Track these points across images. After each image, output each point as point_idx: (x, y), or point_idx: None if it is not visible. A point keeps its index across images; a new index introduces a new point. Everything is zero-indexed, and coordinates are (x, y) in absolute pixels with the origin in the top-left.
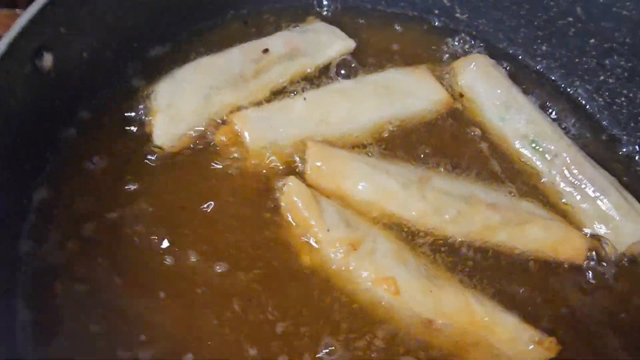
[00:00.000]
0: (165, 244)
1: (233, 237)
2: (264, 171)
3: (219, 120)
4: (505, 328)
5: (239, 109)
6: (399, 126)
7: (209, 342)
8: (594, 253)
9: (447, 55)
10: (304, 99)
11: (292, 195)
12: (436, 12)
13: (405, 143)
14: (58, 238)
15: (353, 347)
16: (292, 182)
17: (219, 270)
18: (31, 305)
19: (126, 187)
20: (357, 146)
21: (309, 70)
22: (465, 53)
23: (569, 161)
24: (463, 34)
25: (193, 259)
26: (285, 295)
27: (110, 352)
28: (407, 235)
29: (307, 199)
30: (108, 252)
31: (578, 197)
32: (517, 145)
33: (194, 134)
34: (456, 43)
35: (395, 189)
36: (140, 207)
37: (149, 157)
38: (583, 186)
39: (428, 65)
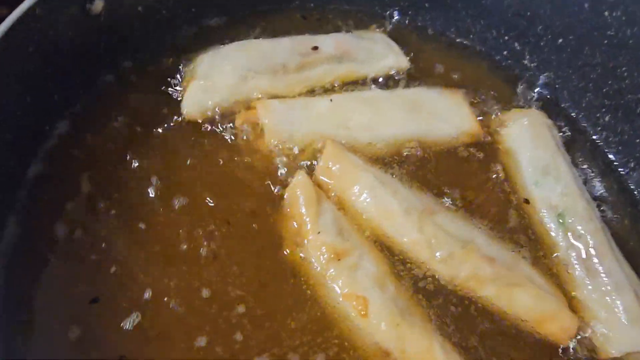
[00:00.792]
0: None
1: (232, 207)
2: (276, 161)
3: (245, 104)
4: None
5: (269, 97)
6: (421, 147)
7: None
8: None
9: (501, 102)
10: (330, 100)
11: (296, 189)
12: (505, 53)
13: (422, 167)
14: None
15: (301, 352)
16: (301, 176)
17: (209, 229)
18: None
19: (145, 142)
20: (375, 159)
21: (351, 77)
22: (524, 101)
23: (591, 246)
24: (526, 83)
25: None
26: (256, 274)
27: None
28: (395, 262)
29: (309, 196)
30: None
31: (588, 284)
32: (543, 212)
33: (218, 111)
34: (517, 89)
35: (396, 212)
36: (154, 162)
37: (174, 118)
38: (597, 276)
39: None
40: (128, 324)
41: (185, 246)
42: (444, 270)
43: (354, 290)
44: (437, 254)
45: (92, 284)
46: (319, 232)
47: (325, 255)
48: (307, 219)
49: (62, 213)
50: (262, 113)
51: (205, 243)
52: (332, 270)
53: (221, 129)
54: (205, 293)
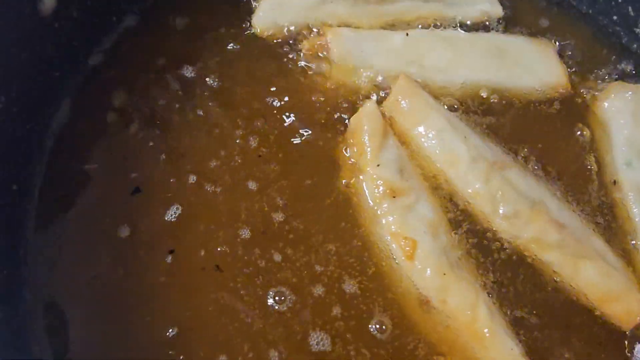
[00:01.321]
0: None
1: (292, 126)
2: (341, 91)
3: (316, 29)
4: (502, 354)
5: (344, 26)
6: (499, 96)
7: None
8: None
9: (602, 69)
10: (407, 34)
11: (363, 117)
12: (614, 18)
13: (499, 118)
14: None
15: (334, 285)
16: (370, 104)
17: (266, 138)
18: None
19: (210, 49)
20: (447, 103)
21: (435, 17)
22: (625, 75)
23: None
24: (632, 57)
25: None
26: (305, 190)
27: None
28: (452, 211)
29: (375, 126)
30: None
31: None
32: (630, 196)
33: (290, 30)
34: (620, 62)
35: (463, 158)
36: (214, 68)
37: (243, 32)
38: None
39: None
40: (171, 215)
41: (239, 140)
42: (506, 228)
43: (403, 231)
44: (501, 209)
45: (139, 170)
46: (378, 165)
47: (381, 190)
48: (369, 150)
49: (113, 104)
50: (333, 40)
51: (260, 147)
52: (385, 205)
53: (289, 49)
54: (252, 185)
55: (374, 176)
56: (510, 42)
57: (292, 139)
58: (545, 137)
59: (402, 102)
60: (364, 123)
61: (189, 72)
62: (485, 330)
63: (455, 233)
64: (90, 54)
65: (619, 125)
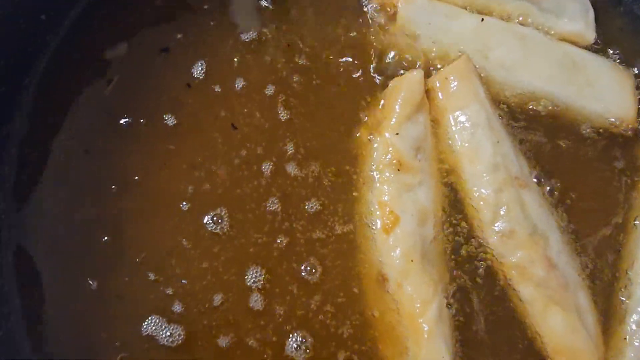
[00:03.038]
0: None
1: (330, 70)
2: (392, 54)
3: None
4: (431, 357)
5: None
6: (554, 114)
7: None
8: None
9: None
10: (482, 19)
11: (404, 83)
12: None
13: (543, 135)
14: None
15: (301, 231)
16: (416, 72)
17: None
18: None
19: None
20: (497, 101)
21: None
22: None
23: None
24: None
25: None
26: (319, 134)
27: None
28: (451, 204)
29: (412, 96)
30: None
31: None
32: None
33: None
34: None
35: (486, 161)
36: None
37: None
38: None
39: None
40: None
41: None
42: (496, 243)
43: (392, 206)
44: (499, 223)
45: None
46: (397, 134)
47: (389, 157)
48: (395, 116)
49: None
50: (403, 3)
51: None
52: (387, 173)
53: None
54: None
55: (389, 142)
56: (589, 59)
57: (327, 85)
58: (582, 172)
59: (452, 82)
60: (403, 88)
61: None
62: (426, 328)
63: (444, 230)
64: None
65: None
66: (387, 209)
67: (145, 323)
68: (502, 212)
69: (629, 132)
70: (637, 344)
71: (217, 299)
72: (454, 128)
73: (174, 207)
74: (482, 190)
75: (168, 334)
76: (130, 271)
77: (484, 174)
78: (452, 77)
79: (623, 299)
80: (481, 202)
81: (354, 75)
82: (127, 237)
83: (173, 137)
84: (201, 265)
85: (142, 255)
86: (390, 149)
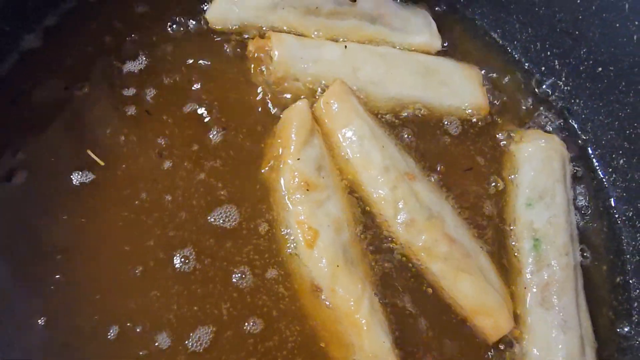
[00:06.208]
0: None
1: (228, 114)
2: (277, 91)
3: (264, 31)
4: (374, 345)
5: (291, 33)
6: (422, 113)
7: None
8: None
9: (523, 108)
10: (345, 47)
11: (293, 113)
12: (542, 69)
13: (418, 133)
14: None
15: (233, 260)
16: (302, 102)
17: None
18: None
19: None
20: (375, 113)
21: (379, 40)
22: (545, 123)
23: (555, 280)
24: (553, 107)
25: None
26: (229, 176)
27: None
28: (360, 212)
29: (303, 123)
30: None
31: (538, 312)
32: (523, 232)
33: (237, 28)
34: (542, 113)
35: (376, 166)
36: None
37: (194, 22)
38: (550, 309)
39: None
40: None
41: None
42: (402, 234)
43: (309, 222)
44: (400, 216)
45: None
46: (298, 159)
47: (296, 181)
48: (293, 144)
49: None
50: (275, 44)
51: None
52: (297, 195)
53: (234, 45)
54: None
55: (293, 168)
56: (440, 63)
57: (223, 128)
58: (457, 158)
59: (333, 105)
60: (293, 118)
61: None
62: (364, 321)
63: (358, 233)
64: None
65: (528, 168)
66: (306, 226)
67: None
68: (400, 206)
69: (487, 117)
70: (535, 290)
71: None
72: (344, 143)
73: None
74: (380, 191)
75: None
76: None
77: (378, 177)
78: (332, 101)
79: (516, 254)
80: (382, 202)
81: (250, 121)
82: None
83: None
84: None
85: None
86: (295, 173)
